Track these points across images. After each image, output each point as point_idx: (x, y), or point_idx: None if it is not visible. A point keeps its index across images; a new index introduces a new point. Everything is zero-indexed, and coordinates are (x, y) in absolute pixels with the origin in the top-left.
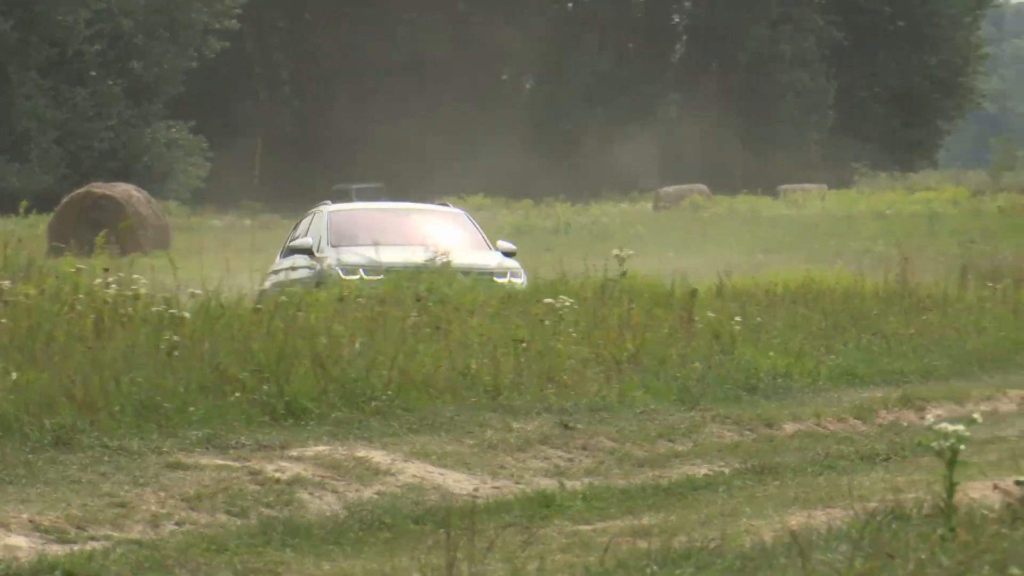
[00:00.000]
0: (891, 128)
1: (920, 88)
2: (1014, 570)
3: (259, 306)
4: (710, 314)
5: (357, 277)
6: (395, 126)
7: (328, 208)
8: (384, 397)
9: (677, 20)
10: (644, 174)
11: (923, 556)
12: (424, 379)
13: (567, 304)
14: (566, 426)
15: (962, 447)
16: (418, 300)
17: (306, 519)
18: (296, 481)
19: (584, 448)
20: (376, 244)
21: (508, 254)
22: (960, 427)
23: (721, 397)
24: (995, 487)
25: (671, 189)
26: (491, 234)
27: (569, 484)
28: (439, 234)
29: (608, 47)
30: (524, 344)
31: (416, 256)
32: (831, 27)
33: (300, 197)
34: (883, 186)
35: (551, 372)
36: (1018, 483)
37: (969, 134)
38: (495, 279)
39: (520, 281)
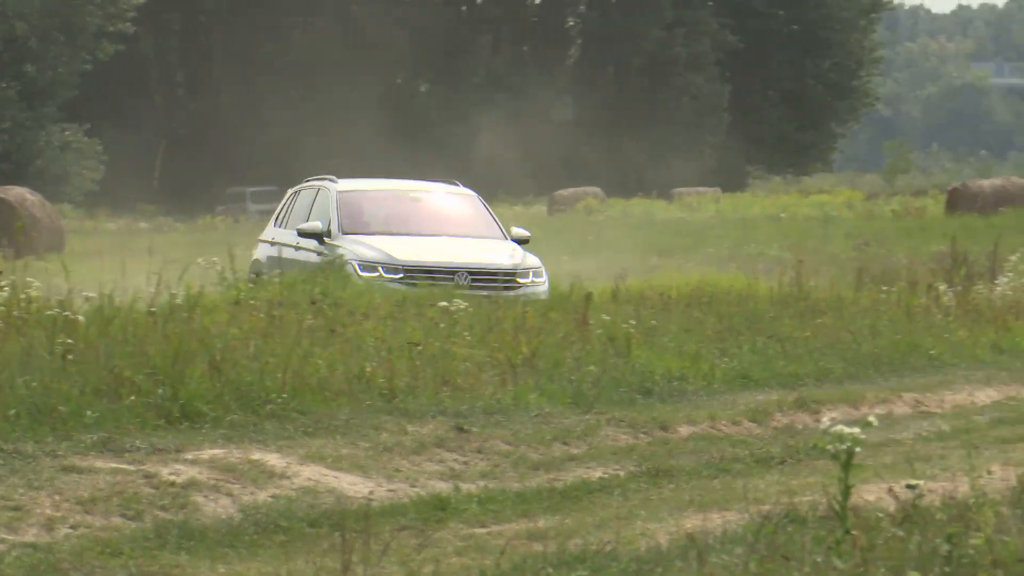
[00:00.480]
0: (785, 131)
1: (814, 91)
2: (912, 573)
3: (153, 309)
4: (605, 317)
5: (375, 275)
6: (290, 128)
7: (336, 187)
8: (279, 400)
9: (572, 23)
10: (539, 177)
11: (818, 559)
12: (319, 382)
13: (462, 307)
14: (461, 429)
15: (857, 450)
16: (313, 303)
17: (201, 522)
18: (191, 484)
19: (479, 451)
20: (390, 234)
21: (521, 241)
22: (856, 430)
23: (616, 400)
24: (890, 490)
25: (565, 192)
26: None
27: (464, 487)
28: (455, 221)
29: (502, 50)
30: (419, 347)
31: (435, 253)
32: (725, 30)
33: (195, 200)
34: (777, 189)
35: (446, 375)
36: (909, 487)
37: (863, 137)
38: (517, 280)
39: (543, 281)
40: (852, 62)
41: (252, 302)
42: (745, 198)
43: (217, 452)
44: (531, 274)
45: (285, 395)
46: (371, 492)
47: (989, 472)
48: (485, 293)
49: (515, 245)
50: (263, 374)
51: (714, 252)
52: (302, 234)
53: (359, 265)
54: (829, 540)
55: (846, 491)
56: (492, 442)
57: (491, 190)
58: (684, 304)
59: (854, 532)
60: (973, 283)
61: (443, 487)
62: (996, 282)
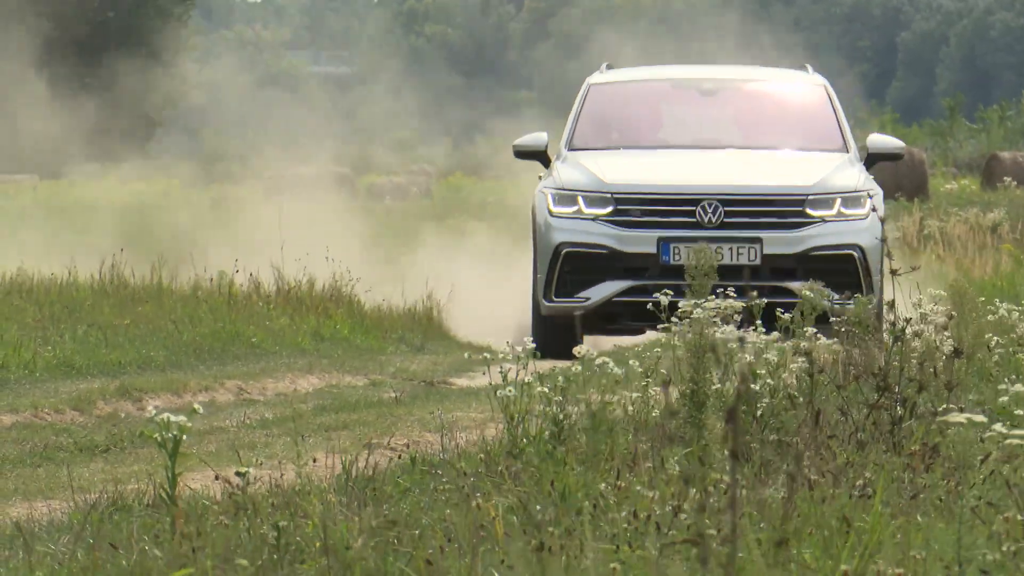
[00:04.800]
0: (103, 119)
1: (131, 80)
2: (241, 561)
3: None
4: None
5: (573, 211)
6: None
7: (592, 79)
8: None
9: None
10: None
11: (146, 547)
12: None
13: None
14: None
15: (184, 438)
16: None
17: None
18: None
19: None
20: (647, 147)
21: (883, 158)
22: (182, 418)
23: None
24: (216, 478)
25: None
26: None
27: None
28: (765, 125)
29: None
30: None
31: (672, 172)
32: (42, 19)
33: None
34: (96, 177)
35: None
36: (239, 474)
37: (183, 125)
38: (807, 212)
39: (862, 214)
40: (169, 51)
41: None
42: (63, 186)
43: None
44: (837, 202)
45: None
46: None
47: (314, 460)
48: (744, 235)
49: (847, 162)
50: None
51: (34, 240)
52: (519, 154)
53: (552, 196)
54: (157, 528)
55: (173, 479)
56: None
57: None
58: (4, 292)
59: (181, 520)
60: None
61: None
62: None
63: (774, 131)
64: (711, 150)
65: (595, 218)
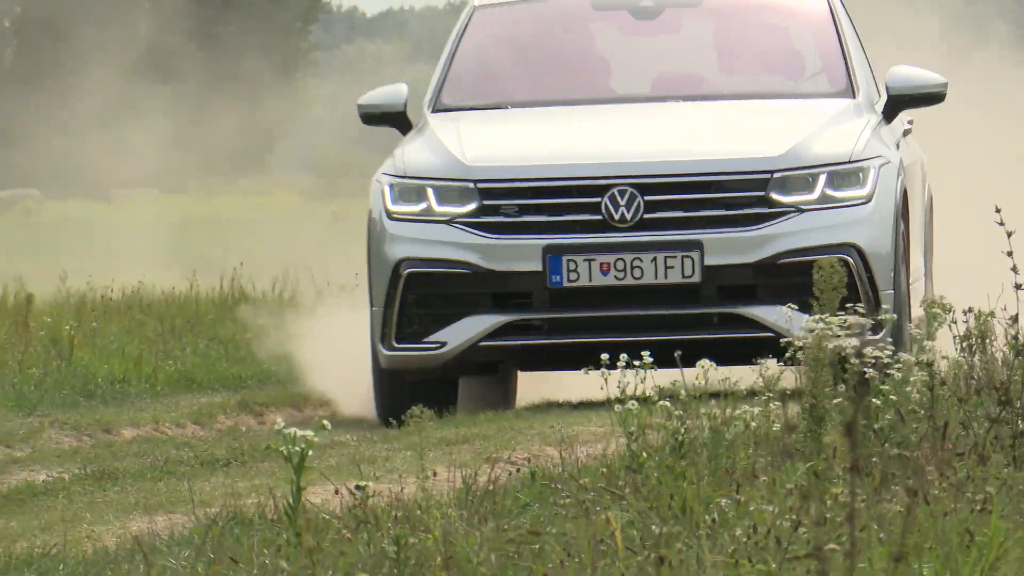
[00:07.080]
0: (224, 133)
1: (252, 93)
2: (361, 574)
3: None
4: (47, 319)
5: (421, 209)
6: None
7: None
8: None
9: (8, 24)
10: None
11: (267, 561)
12: None
13: None
14: None
15: (310, 452)
16: None
17: None
18: None
19: None
20: (549, 103)
21: (912, 101)
22: (309, 432)
23: (59, 403)
24: (337, 492)
25: (2, 194)
26: None
27: None
28: (722, 65)
29: None
30: None
31: (569, 143)
32: (163, 34)
33: None
34: (218, 190)
35: None
36: (358, 488)
37: (304, 139)
38: (772, 196)
39: (860, 196)
40: (290, 65)
41: None
42: (185, 199)
43: None
44: (821, 180)
45: None
46: None
47: (434, 473)
48: (675, 237)
49: (849, 111)
50: None
51: (156, 253)
52: (367, 118)
53: (391, 188)
54: (278, 541)
55: (298, 493)
56: None
57: None
58: (126, 306)
59: (303, 534)
60: None
61: None
62: None
63: (742, 69)
64: (635, 104)
65: (451, 220)
